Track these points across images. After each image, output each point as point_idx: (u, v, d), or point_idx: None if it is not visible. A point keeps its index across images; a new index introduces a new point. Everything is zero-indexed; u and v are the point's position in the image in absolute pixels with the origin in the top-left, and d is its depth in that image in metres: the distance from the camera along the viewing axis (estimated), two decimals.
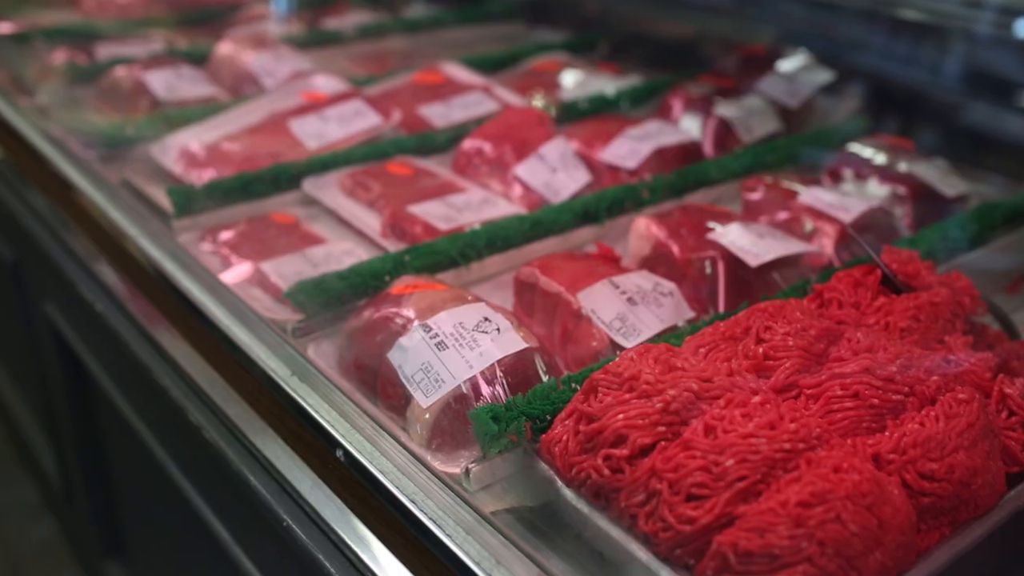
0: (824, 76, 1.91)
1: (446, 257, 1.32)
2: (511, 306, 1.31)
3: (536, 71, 2.16)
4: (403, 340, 1.08)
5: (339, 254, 1.37)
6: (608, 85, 2.05)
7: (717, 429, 0.85)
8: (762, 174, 1.64)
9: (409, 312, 1.12)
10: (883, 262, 1.17)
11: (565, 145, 1.59)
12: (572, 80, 2.08)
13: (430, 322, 1.09)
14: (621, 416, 0.89)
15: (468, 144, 1.60)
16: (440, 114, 1.84)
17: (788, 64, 1.92)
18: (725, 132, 1.77)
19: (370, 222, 1.49)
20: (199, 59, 2.10)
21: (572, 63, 2.18)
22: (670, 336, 1.13)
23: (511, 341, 1.08)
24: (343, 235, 1.49)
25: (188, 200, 1.46)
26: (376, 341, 1.12)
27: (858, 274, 1.16)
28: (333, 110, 1.73)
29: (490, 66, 2.16)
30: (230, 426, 1.16)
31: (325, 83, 1.87)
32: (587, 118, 1.88)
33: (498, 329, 1.09)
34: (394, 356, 1.08)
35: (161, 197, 1.58)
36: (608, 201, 1.47)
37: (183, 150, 1.69)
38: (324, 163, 1.59)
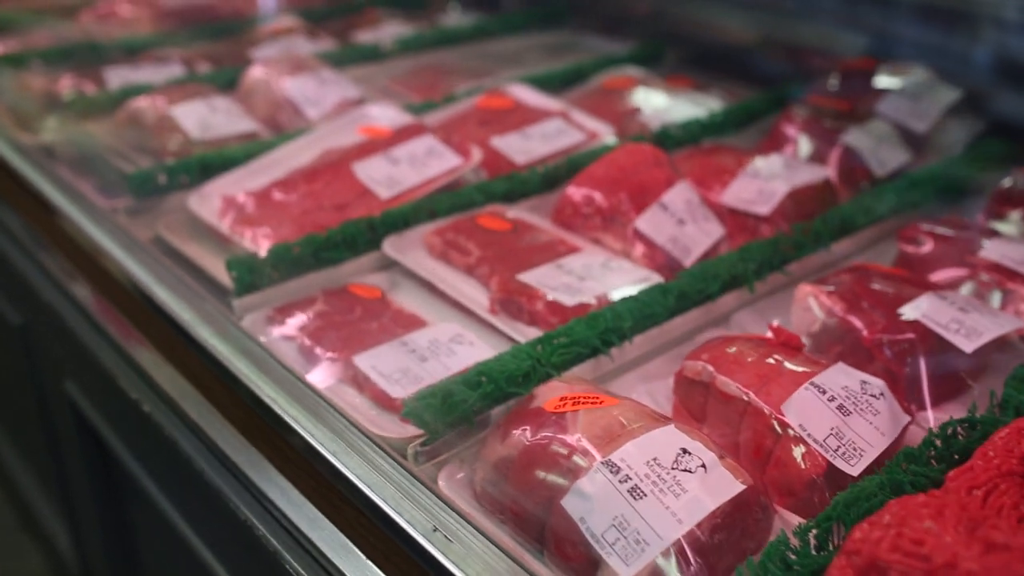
0: (950, 95, 1.68)
1: (587, 347, 1.07)
2: (664, 404, 1.07)
3: (607, 89, 1.91)
4: (583, 484, 0.84)
5: (446, 341, 1.13)
6: (695, 106, 1.81)
7: None
8: (911, 217, 1.42)
9: (580, 440, 0.88)
10: None
11: (690, 191, 1.35)
12: (650, 100, 1.84)
13: (616, 459, 0.84)
14: None
15: (575, 191, 1.35)
16: (518, 148, 1.59)
17: (909, 81, 1.69)
18: (853, 165, 1.53)
19: (470, 292, 1.24)
20: (225, 84, 1.83)
21: (644, 79, 1.94)
22: (903, 458, 0.90)
23: (724, 482, 0.84)
24: (437, 309, 1.24)
25: (252, 273, 1.21)
26: (538, 480, 0.87)
27: None
28: (402, 149, 1.48)
29: (555, 84, 1.91)
30: None
31: (382, 114, 1.61)
32: (684, 148, 1.64)
33: (703, 465, 0.85)
34: (572, 505, 0.83)
35: (204, 257, 1.34)
36: (756, 262, 1.24)
37: (227, 200, 1.43)
38: (404, 217, 1.34)
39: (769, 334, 1.21)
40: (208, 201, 1.45)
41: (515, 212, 1.39)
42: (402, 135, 1.51)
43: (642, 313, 1.13)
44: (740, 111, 1.75)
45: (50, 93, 1.77)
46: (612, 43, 2.33)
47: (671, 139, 1.64)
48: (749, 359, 1.02)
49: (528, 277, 1.21)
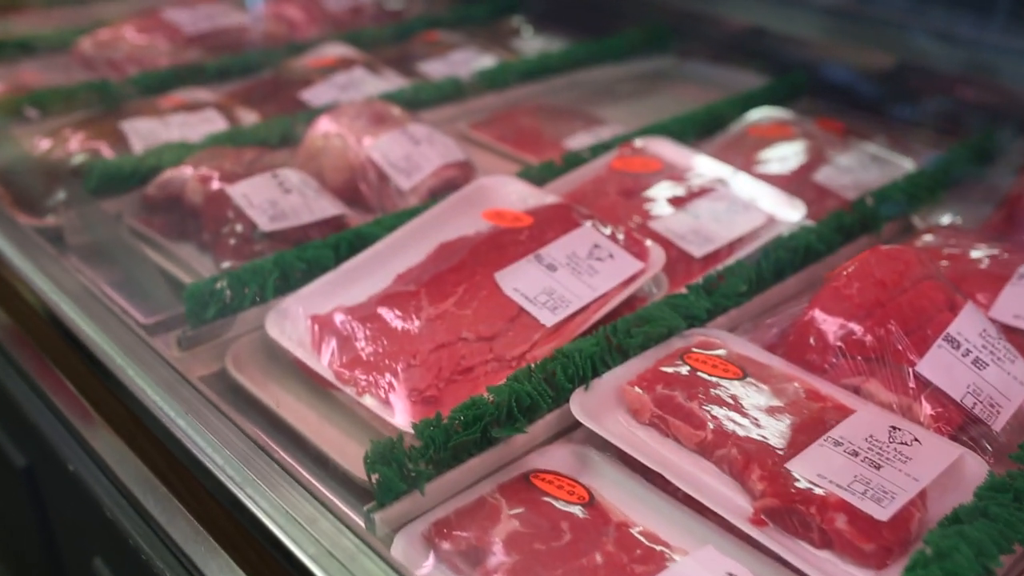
0: None
1: None
2: None
3: (753, 137, 1.54)
4: None
5: None
6: (874, 163, 1.45)
7: None
8: None
9: None
10: None
11: (982, 317, 0.98)
12: (817, 154, 1.46)
13: None
14: None
15: (822, 320, 0.97)
16: (686, 232, 1.21)
17: None
18: None
19: (711, 484, 0.86)
20: (278, 141, 1.43)
21: (797, 125, 1.56)
22: None
23: None
24: (658, 506, 0.86)
25: (403, 475, 0.81)
26: None
27: None
28: (557, 249, 1.09)
29: (689, 131, 1.53)
30: None
31: (508, 188, 1.23)
32: (889, 224, 1.28)
33: None
34: None
35: (295, 409, 0.96)
36: None
37: (321, 323, 1.04)
38: (590, 359, 0.95)
39: None
40: (291, 321, 1.06)
41: (729, 342, 1.01)
42: (550, 225, 1.13)
43: (1000, 534, 0.76)
44: (941, 172, 1.39)
45: (54, 156, 1.36)
46: (720, 70, 1.96)
47: (875, 216, 1.27)
48: None
49: (803, 467, 0.83)
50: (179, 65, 1.67)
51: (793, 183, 1.39)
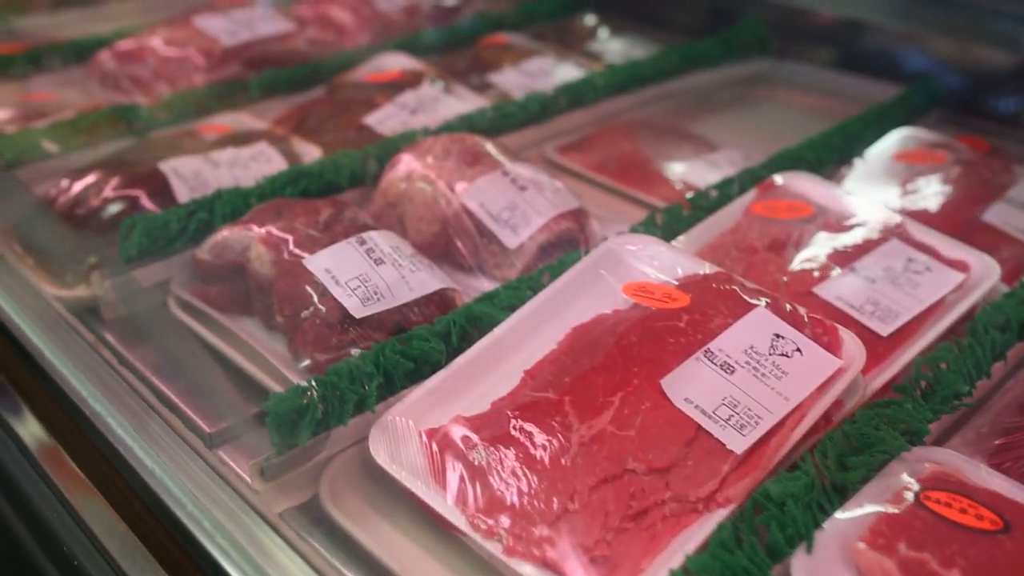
0: None
1: None
2: None
3: (900, 165, 1.31)
4: None
5: None
6: None
7: None
8: None
9: None
10: None
11: None
12: (977, 186, 1.24)
13: None
14: None
15: None
16: (862, 302, 0.99)
17: None
18: None
19: None
20: (348, 181, 1.20)
21: (947, 148, 1.34)
22: None
23: None
24: None
25: None
26: None
27: None
28: (728, 342, 0.87)
29: (827, 158, 1.30)
30: None
31: (648, 251, 1.00)
32: None
33: None
34: None
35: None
36: None
37: (440, 442, 0.84)
38: (805, 507, 0.73)
39: None
40: (401, 438, 0.84)
41: (966, 470, 0.79)
42: (713, 307, 0.90)
43: None
44: None
45: (84, 209, 1.13)
46: (819, 72, 1.74)
47: None
48: None
49: None
50: (218, 83, 1.44)
51: (959, 225, 1.17)
